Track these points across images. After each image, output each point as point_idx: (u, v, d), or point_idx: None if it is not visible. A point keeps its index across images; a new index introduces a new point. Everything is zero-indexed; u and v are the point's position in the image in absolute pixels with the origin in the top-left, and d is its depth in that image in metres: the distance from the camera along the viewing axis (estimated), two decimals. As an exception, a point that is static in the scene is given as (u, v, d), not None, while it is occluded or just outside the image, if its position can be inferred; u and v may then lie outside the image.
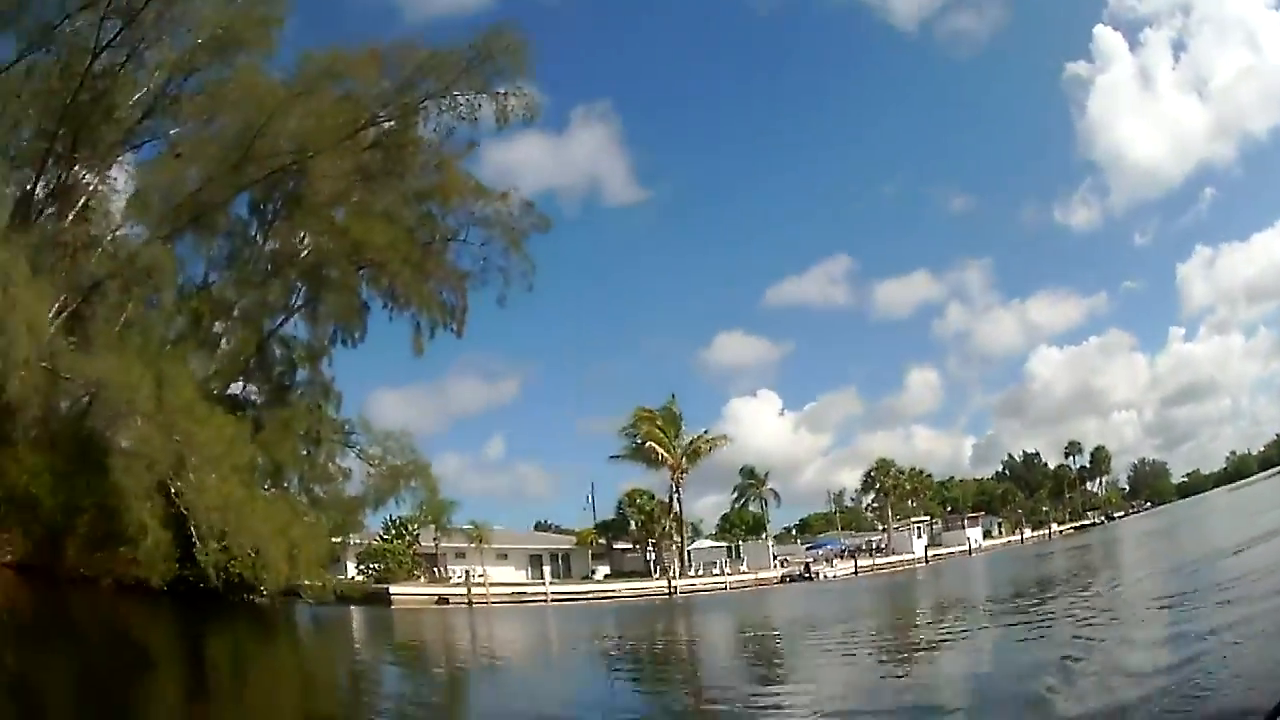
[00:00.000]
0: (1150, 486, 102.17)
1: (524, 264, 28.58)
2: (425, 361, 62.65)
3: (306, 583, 24.51)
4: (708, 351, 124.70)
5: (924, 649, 13.95)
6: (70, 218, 25.00)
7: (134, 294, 25.31)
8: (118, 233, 25.65)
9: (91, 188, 26.09)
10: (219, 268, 28.78)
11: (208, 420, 22.48)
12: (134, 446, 21.34)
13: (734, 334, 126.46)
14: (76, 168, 25.42)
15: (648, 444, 57.06)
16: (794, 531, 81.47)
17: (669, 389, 69.49)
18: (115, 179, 26.33)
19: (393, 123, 26.25)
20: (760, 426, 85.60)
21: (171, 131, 26.30)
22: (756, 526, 70.88)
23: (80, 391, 23.10)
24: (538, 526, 68.06)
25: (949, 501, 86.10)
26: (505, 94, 25.74)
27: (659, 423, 57.70)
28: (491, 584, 40.53)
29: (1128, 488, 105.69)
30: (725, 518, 72.53)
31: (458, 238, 28.47)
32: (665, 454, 57.16)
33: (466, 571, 41.16)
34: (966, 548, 64.92)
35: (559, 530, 67.27)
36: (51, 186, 25.18)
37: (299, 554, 23.20)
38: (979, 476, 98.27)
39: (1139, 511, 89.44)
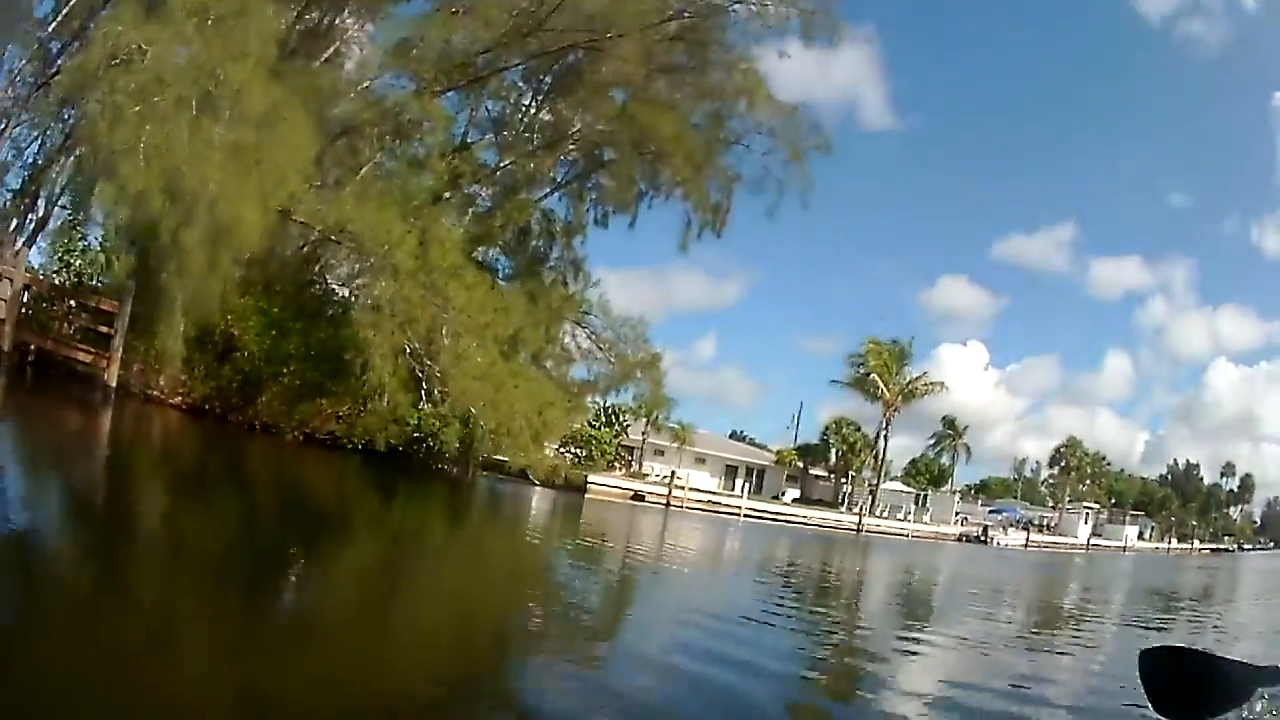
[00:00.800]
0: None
1: (804, 180, 27.59)
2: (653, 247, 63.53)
3: (523, 459, 23.92)
4: (930, 291, 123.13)
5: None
6: (321, 60, 24.32)
7: (388, 144, 25.18)
8: (374, 81, 25.04)
9: (348, 34, 25.57)
10: (482, 130, 28.44)
11: (474, 285, 21.81)
12: (388, 304, 20.74)
13: (958, 279, 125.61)
14: (336, 12, 24.97)
15: (871, 376, 56.08)
16: (973, 491, 79.98)
17: (884, 320, 69.84)
18: (372, 29, 26.04)
19: (697, 18, 25.25)
20: (964, 377, 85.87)
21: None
22: (940, 478, 69.40)
23: (317, 237, 22.50)
24: (732, 435, 68.20)
25: (1113, 493, 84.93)
26: (812, 11, 24.94)
27: (885, 357, 56.69)
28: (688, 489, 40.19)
29: (1259, 522, 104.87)
30: (913, 462, 70.59)
31: (740, 142, 27.49)
32: (885, 389, 56.22)
33: (673, 472, 40.58)
34: (1121, 544, 63.16)
35: (752, 443, 66.98)
36: (307, 28, 24.70)
37: (544, 433, 23.24)
38: (1144, 475, 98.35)
39: (1264, 549, 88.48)
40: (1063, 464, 78.25)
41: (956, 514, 59.46)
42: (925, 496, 61.63)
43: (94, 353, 19.71)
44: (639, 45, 24.39)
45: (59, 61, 24.11)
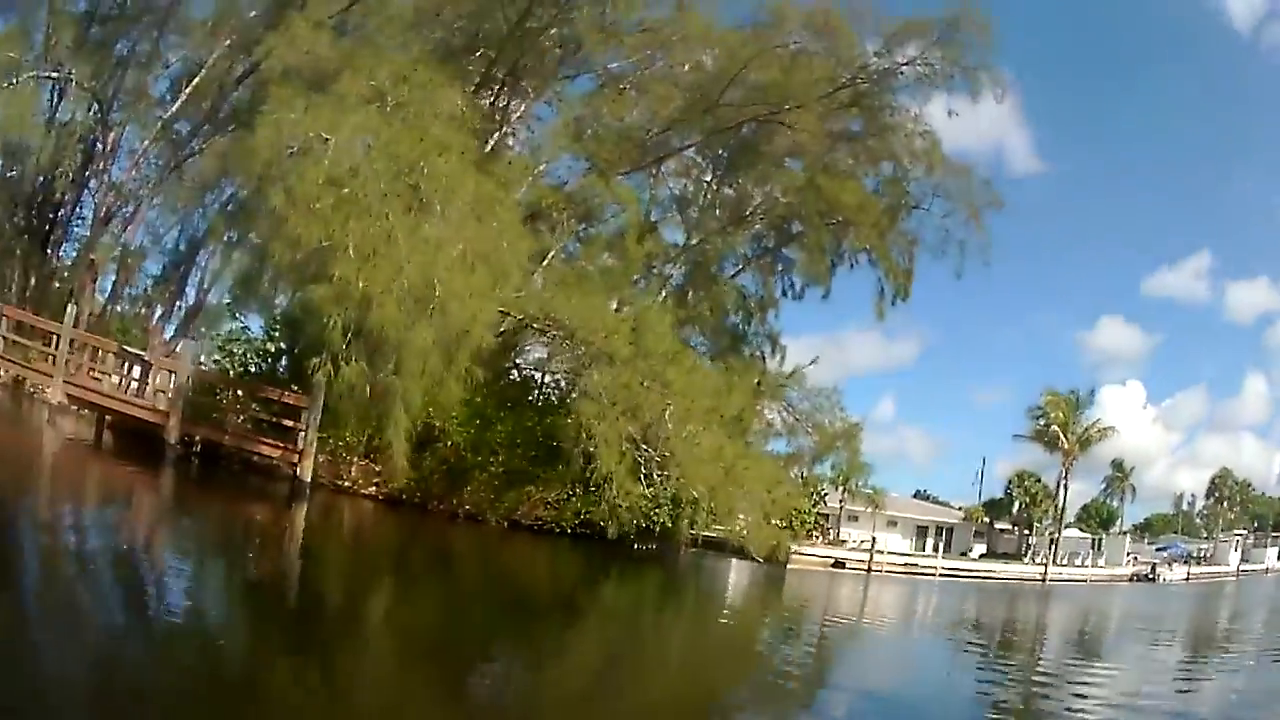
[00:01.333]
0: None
1: (984, 239, 27.07)
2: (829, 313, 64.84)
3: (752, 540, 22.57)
4: (1088, 334, 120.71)
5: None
6: (491, 143, 23.64)
7: (573, 228, 24.88)
8: (549, 164, 24.96)
9: (517, 115, 25.44)
10: (663, 208, 28.71)
11: (693, 369, 21.50)
12: (607, 392, 20.09)
13: (1114, 319, 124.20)
14: (508, 93, 24.66)
15: (1052, 427, 55.76)
16: (1138, 529, 78.33)
17: (1045, 366, 71.85)
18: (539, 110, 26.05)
19: (868, 83, 24.78)
20: (1126, 417, 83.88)
21: (612, 66, 25.48)
22: (1108, 519, 69.32)
23: (514, 325, 22.08)
24: (916, 495, 67.29)
25: (1255, 516, 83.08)
26: (976, 69, 24.19)
27: (1063, 407, 56.30)
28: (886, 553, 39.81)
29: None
30: (1084, 508, 70.29)
31: (921, 205, 27.22)
32: (1064, 440, 55.66)
33: (873, 539, 40.14)
34: (1264, 566, 62.50)
35: (935, 501, 66.13)
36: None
37: (772, 512, 22.37)
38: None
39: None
40: (1216, 494, 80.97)
41: (1127, 554, 58.79)
42: (1100, 541, 61.24)
43: (281, 446, 19.32)
44: (815, 115, 24.09)
45: (192, 144, 24.70)
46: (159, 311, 26.79)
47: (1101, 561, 55.80)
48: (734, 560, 26.67)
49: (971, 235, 27.06)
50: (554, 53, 24.39)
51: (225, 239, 25.17)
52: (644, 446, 20.47)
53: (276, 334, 23.74)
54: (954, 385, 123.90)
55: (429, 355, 17.19)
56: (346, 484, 21.38)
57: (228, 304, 24.88)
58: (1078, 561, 53.86)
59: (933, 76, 24.46)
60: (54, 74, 23.25)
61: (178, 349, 21.61)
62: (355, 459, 21.63)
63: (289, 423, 19.59)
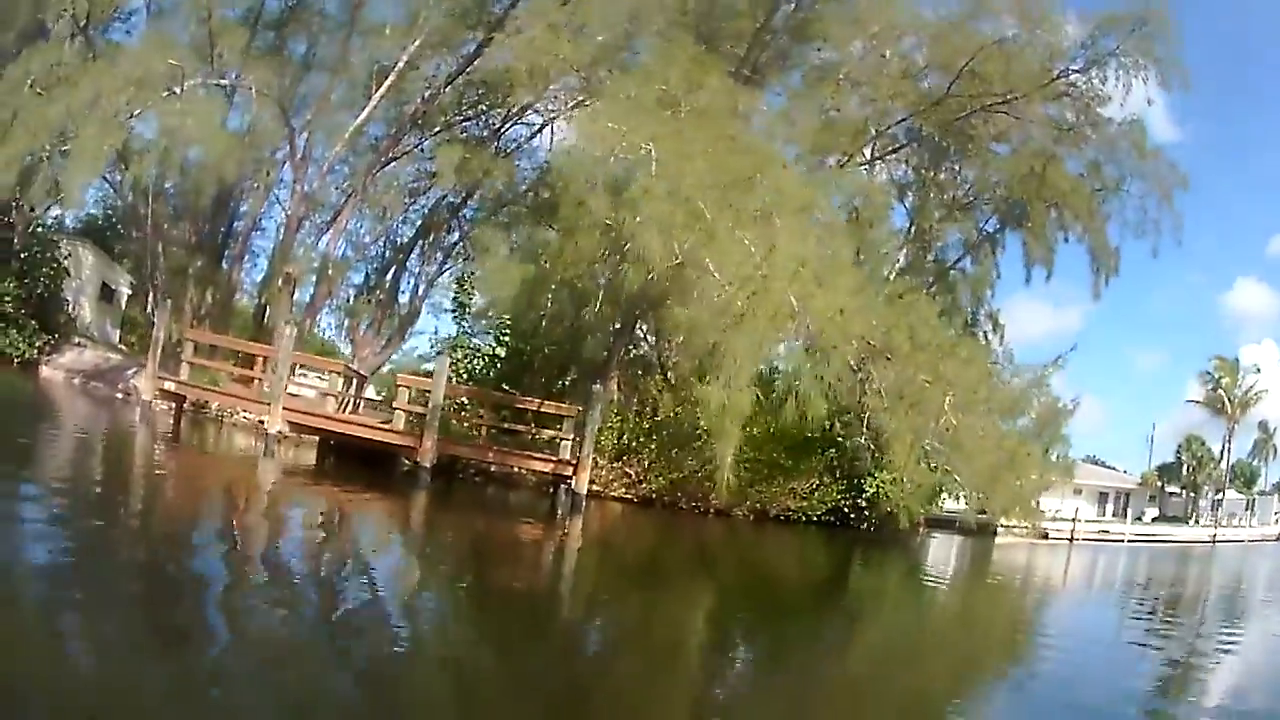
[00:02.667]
0: None
1: (1176, 219, 26.90)
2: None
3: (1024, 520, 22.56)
4: (1228, 294, 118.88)
5: None
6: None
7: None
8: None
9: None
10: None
11: (970, 360, 20.04)
12: (894, 386, 18.30)
13: (1248, 279, 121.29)
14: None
15: (1219, 391, 57.74)
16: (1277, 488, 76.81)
17: (1191, 330, 73.05)
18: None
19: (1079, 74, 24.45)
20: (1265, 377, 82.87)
21: (816, 52, 25.15)
22: (1251, 479, 68.37)
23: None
24: (1086, 460, 67.54)
25: None
26: (1165, 61, 23.72)
27: (1228, 371, 58.24)
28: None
29: None
30: (1231, 468, 68.14)
31: (1122, 187, 27.01)
32: (1229, 404, 57.68)
33: (1076, 509, 40.42)
34: None
35: (1105, 466, 65.16)
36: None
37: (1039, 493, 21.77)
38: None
39: None
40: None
41: (1275, 514, 58.06)
42: (1254, 502, 61.14)
43: (554, 460, 18.69)
44: (1037, 103, 24.28)
45: (410, 142, 23.87)
46: (366, 322, 25.87)
47: (1254, 521, 55.61)
48: (949, 535, 29.56)
49: (1165, 215, 26.95)
50: (780, 45, 24.46)
51: (441, 246, 24.23)
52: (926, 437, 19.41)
53: (508, 339, 22.77)
54: (1110, 351, 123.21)
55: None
56: (598, 488, 20.86)
57: (458, 312, 23.95)
58: (1236, 522, 53.87)
59: (1134, 67, 24.09)
60: (221, 81, 22.26)
61: (434, 365, 20.30)
62: (607, 463, 21.41)
63: (549, 433, 19.23)
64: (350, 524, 12.51)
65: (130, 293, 33.65)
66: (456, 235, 25.77)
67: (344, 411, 20.69)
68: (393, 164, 24.42)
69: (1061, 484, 41.09)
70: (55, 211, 28.86)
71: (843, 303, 16.07)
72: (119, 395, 23.96)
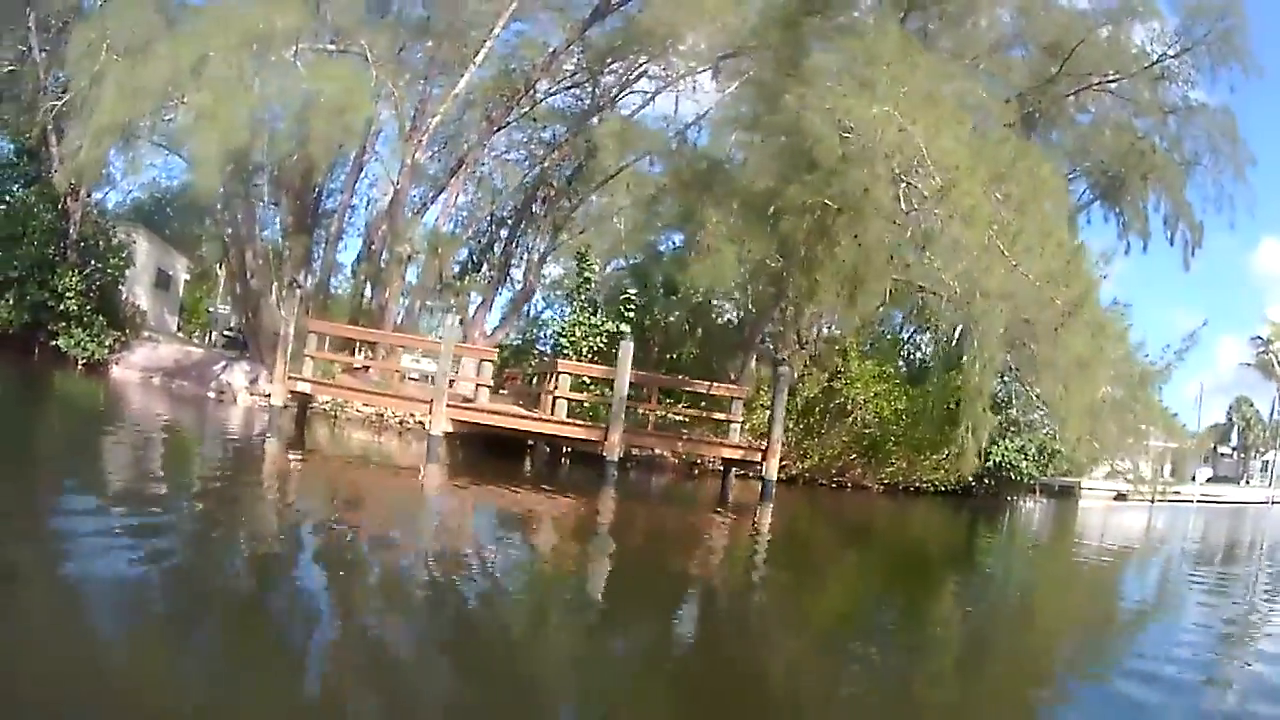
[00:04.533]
0: None
1: (1249, 194, 27.69)
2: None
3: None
4: (1252, 255, 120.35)
5: None
6: None
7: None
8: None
9: None
10: None
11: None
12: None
13: (1273, 239, 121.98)
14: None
15: (1269, 355, 58.07)
16: None
17: (1215, 286, 75.08)
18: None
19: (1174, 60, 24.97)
20: None
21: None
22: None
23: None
24: None
25: None
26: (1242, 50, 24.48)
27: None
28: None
29: None
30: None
31: (1199, 162, 27.38)
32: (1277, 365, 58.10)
33: (1155, 470, 40.24)
34: None
35: None
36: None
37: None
38: None
39: None
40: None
41: None
42: None
43: (744, 446, 18.01)
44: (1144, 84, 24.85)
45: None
46: (476, 301, 24.86)
47: (1292, 481, 57.53)
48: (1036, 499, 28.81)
49: (1239, 190, 27.54)
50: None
51: (554, 218, 23.27)
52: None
53: (631, 314, 22.15)
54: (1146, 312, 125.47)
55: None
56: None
57: (583, 288, 22.92)
58: (1281, 482, 55.27)
59: (1224, 54, 24.81)
60: (331, 45, 21.10)
61: (619, 350, 19.26)
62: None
63: (720, 416, 18.56)
64: (596, 534, 11.67)
65: (188, 278, 32.17)
66: (567, 206, 24.67)
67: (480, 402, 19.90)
68: (501, 132, 23.28)
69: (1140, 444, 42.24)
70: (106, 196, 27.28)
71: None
72: (211, 395, 22.89)
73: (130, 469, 10.62)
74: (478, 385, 19.01)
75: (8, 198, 24.89)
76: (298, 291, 19.91)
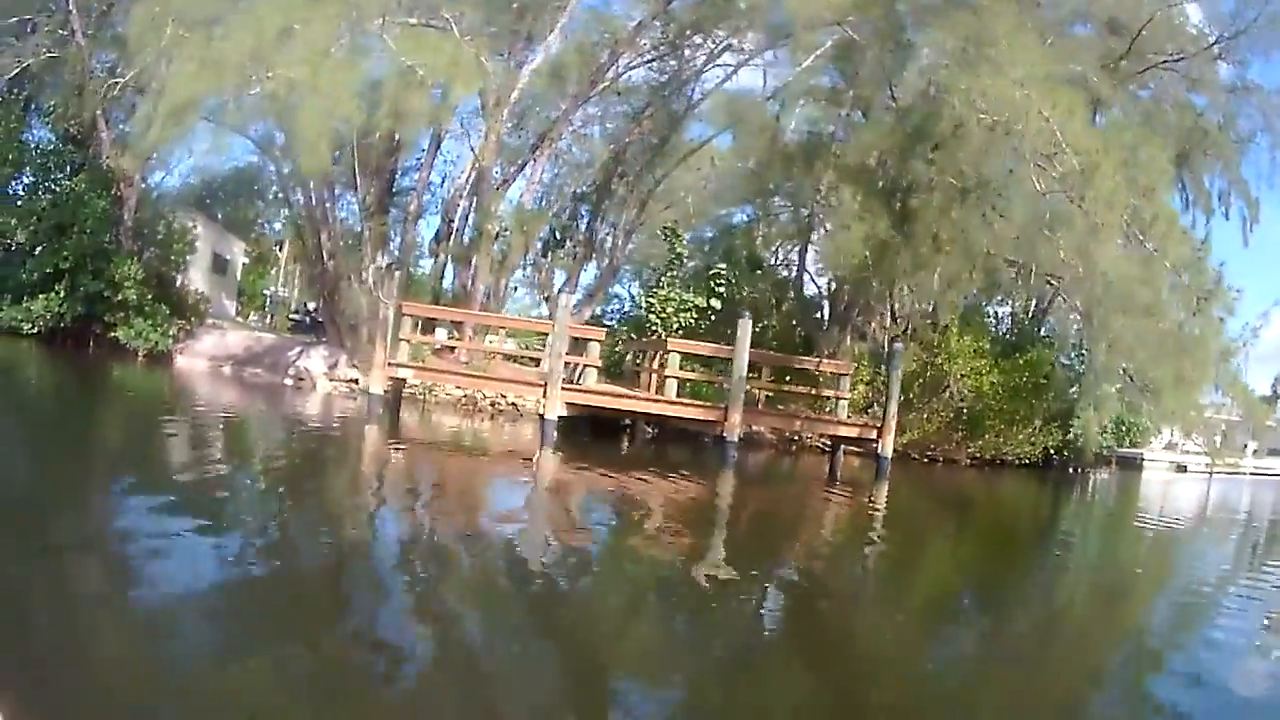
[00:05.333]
0: None
1: None
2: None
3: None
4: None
5: None
6: None
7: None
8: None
9: None
10: None
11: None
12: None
13: None
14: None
15: None
16: None
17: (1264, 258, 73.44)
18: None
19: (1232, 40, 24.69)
20: None
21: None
22: None
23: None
24: None
25: None
26: None
27: None
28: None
29: None
30: None
31: (1252, 140, 27.40)
32: None
33: (1218, 438, 40.29)
34: None
35: None
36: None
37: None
38: None
39: None
40: None
41: None
42: None
43: (859, 424, 18.10)
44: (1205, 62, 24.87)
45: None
46: (560, 279, 24.71)
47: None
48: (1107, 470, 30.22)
49: None
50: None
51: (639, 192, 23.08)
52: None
53: (721, 289, 22.12)
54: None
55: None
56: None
57: (675, 264, 22.57)
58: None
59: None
60: (414, 19, 20.54)
61: (738, 329, 19.00)
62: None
63: (828, 393, 18.76)
64: (744, 517, 11.93)
65: (246, 261, 31.70)
66: (652, 180, 24.37)
67: (578, 381, 19.86)
68: (586, 104, 22.99)
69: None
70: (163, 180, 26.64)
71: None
72: (289, 382, 22.41)
73: (236, 466, 10.24)
74: (584, 365, 18.97)
75: (54, 186, 24.06)
76: (396, 274, 19.78)
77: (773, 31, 22.31)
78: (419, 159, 24.90)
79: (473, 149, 23.75)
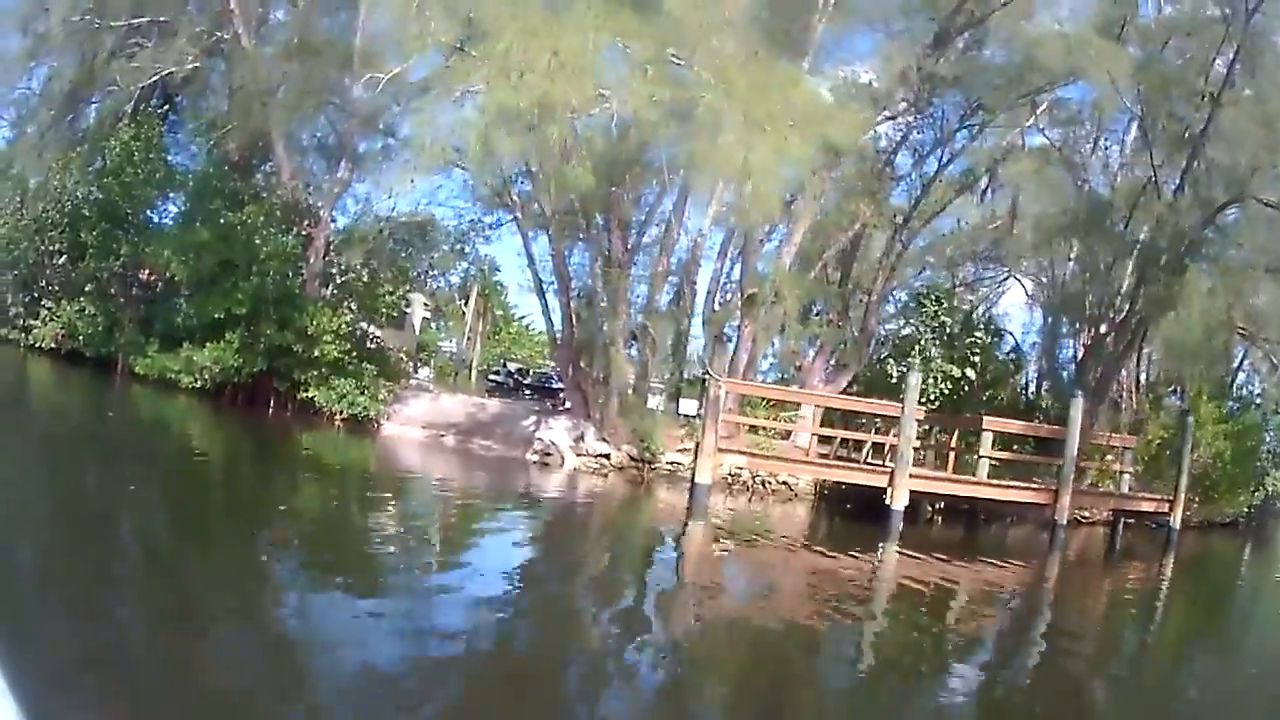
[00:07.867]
0: None
1: None
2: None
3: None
4: None
5: None
6: None
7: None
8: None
9: None
10: None
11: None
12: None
13: None
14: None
15: None
16: None
17: None
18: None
19: None
20: None
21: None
22: None
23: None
24: None
25: None
26: None
27: None
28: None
29: None
30: None
31: None
32: None
33: None
34: None
35: None
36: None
37: None
38: None
39: None
40: None
41: None
42: None
43: (1155, 499, 19.51)
44: None
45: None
46: (814, 346, 24.16)
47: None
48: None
49: None
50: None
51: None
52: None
53: (976, 358, 22.81)
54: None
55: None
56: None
57: (936, 329, 22.94)
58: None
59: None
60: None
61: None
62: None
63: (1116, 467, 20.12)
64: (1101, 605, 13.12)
65: (427, 315, 28.88)
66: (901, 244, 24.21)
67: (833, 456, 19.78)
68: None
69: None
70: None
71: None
72: (534, 458, 19.81)
73: (566, 585, 9.43)
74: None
75: (220, 219, 21.12)
76: (728, 345, 19.37)
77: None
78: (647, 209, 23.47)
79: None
